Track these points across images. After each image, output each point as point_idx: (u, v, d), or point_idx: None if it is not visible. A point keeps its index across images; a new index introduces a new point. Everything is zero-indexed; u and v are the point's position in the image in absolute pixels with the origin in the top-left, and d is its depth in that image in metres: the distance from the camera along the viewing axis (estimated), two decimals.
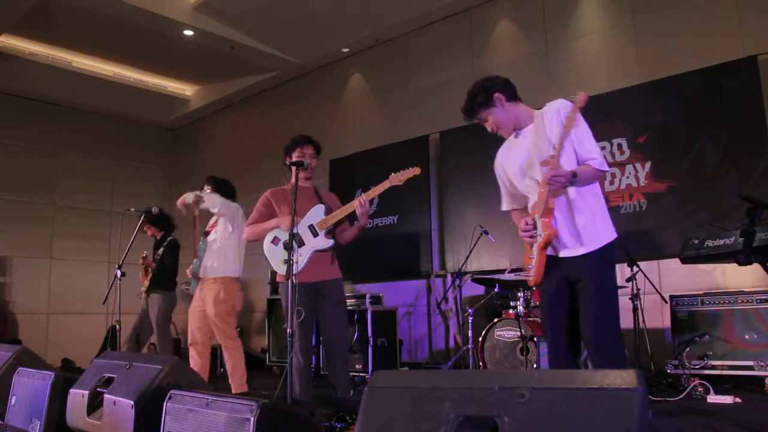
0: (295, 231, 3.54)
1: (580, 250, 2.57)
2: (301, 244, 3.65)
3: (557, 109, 2.65)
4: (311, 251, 3.66)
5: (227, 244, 4.50)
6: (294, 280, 3.25)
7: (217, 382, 6.47)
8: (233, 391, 4.39)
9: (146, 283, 5.58)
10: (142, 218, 4.84)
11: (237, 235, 4.52)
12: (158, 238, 5.89)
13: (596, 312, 2.51)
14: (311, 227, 3.70)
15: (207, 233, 4.66)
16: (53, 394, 2.93)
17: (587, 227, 2.58)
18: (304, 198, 3.76)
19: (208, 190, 4.70)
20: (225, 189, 4.75)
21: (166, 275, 5.59)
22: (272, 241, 3.75)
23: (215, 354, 7.72)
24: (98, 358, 3.11)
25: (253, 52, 7.74)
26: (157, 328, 5.55)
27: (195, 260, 4.54)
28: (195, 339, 4.50)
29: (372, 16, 7.02)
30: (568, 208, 2.61)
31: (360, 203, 3.58)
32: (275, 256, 3.70)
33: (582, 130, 2.64)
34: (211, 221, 4.76)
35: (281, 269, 3.65)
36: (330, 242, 3.71)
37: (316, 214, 3.73)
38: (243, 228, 4.15)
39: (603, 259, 2.56)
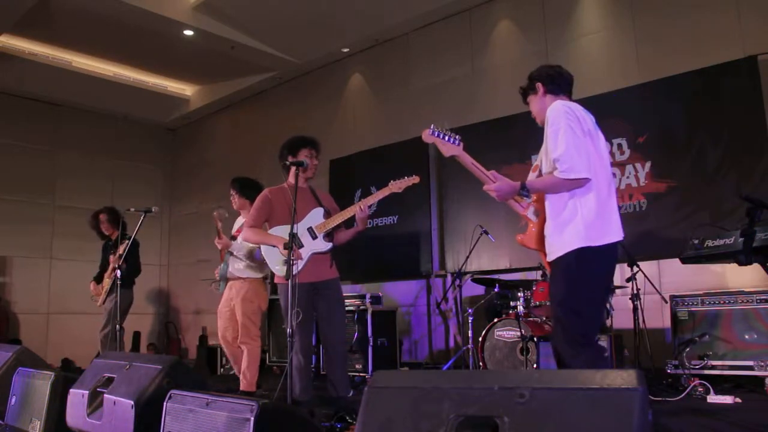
0: (294, 232, 3.56)
1: (550, 255, 2.58)
2: (299, 245, 3.66)
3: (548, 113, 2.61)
4: (310, 253, 3.68)
5: (254, 247, 4.51)
6: (293, 281, 3.27)
7: (217, 382, 6.48)
8: (241, 389, 4.43)
9: (107, 287, 5.54)
10: (142, 218, 4.82)
11: None
12: (114, 237, 5.87)
13: (555, 320, 2.55)
14: (310, 230, 3.73)
15: (234, 237, 4.71)
16: (53, 394, 2.93)
17: (549, 236, 2.58)
18: (302, 199, 3.77)
19: (234, 195, 4.72)
20: (251, 190, 4.71)
21: (128, 274, 5.55)
22: None
23: (216, 354, 7.74)
24: (98, 358, 3.11)
25: (253, 52, 7.74)
26: (111, 323, 5.47)
27: (222, 264, 4.62)
28: (225, 337, 4.58)
29: (372, 16, 7.02)
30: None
31: (360, 209, 3.65)
32: (273, 257, 3.71)
33: (549, 134, 2.54)
34: (236, 226, 4.80)
35: (279, 270, 3.67)
36: (329, 245, 3.74)
37: (315, 216, 3.76)
38: None
39: (558, 269, 2.51)
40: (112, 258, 5.58)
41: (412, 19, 7.07)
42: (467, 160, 2.71)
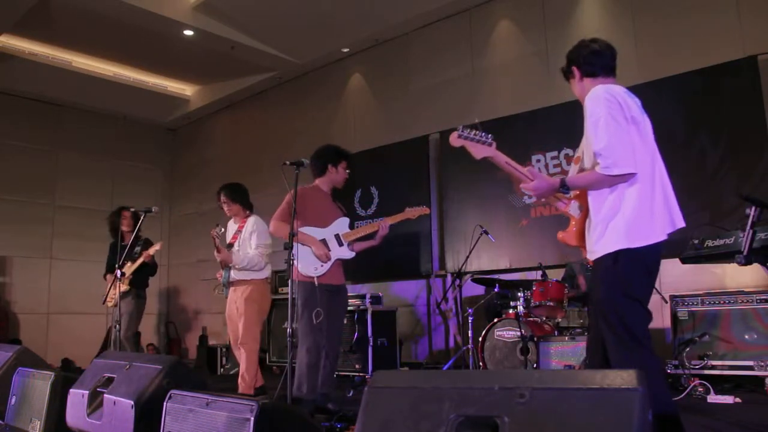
0: (294, 232, 3.60)
1: (591, 255, 2.42)
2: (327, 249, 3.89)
3: (587, 100, 2.39)
4: (335, 258, 3.87)
5: (255, 252, 4.53)
6: (295, 280, 3.44)
7: (217, 382, 6.48)
8: (240, 391, 4.40)
9: (125, 286, 5.48)
10: (142, 218, 4.80)
11: (267, 245, 4.60)
12: (128, 239, 5.84)
13: (601, 323, 2.35)
14: (337, 236, 3.92)
15: (231, 245, 4.66)
16: (53, 394, 2.93)
17: (590, 234, 2.42)
18: (327, 205, 4.02)
19: (227, 202, 4.65)
20: (241, 194, 4.70)
21: (147, 274, 5.58)
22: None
23: (216, 354, 7.74)
24: (98, 358, 3.11)
25: (253, 52, 7.74)
26: (133, 326, 5.46)
27: (224, 271, 4.59)
28: (237, 340, 4.57)
29: (372, 16, 7.02)
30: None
31: (382, 227, 3.94)
32: (305, 257, 3.79)
33: (589, 125, 2.35)
34: (232, 233, 4.72)
35: (307, 270, 3.78)
36: (353, 254, 3.96)
37: (342, 225, 3.99)
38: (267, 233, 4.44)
39: (599, 269, 2.36)
40: (142, 257, 5.51)
41: (412, 19, 7.07)
42: (501, 159, 2.54)
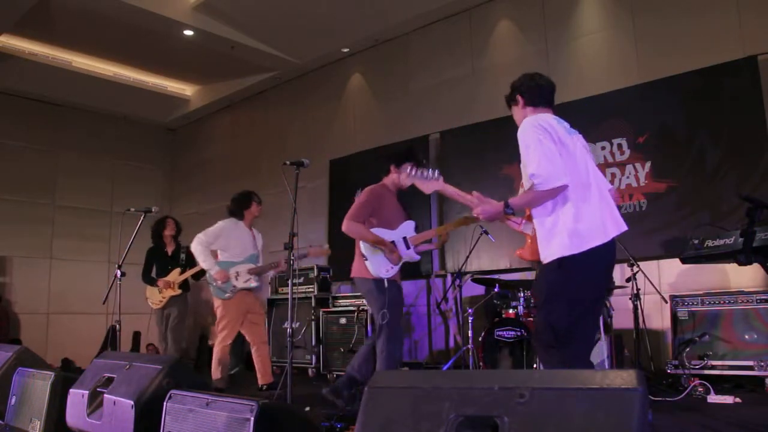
0: (295, 232, 3.62)
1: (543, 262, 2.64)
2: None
3: (519, 132, 2.65)
4: (404, 260, 4.00)
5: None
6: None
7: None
8: (263, 382, 4.77)
9: (177, 289, 5.73)
10: (142, 219, 4.84)
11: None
12: (170, 248, 6.02)
13: (536, 319, 2.63)
14: (405, 239, 4.02)
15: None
16: (53, 394, 2.93)
17: (539, 245, 2.63)
18: (395, 205, 4.10)
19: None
20: None
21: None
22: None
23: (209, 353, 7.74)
24: (98, 358, 3.11)
25: (253, 52, 7.74)
26: (184, 328, 5.80)
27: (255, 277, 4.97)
28: (231, 337, 4.93)
29: (372, 16, 7.02)
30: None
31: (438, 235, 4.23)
32: (378, 259, 3.91)
33: (522, 151, 2.60)
34: (251, 240, 5.07)
35: (378, 271, 3.88)
36: (419, 257, 4.10)
37: (409, 228, 4.09)
38: None
39: (543, 273, 2.58)
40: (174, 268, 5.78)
41: (412, 19, 7.06)
42: (449, 191, 2.79)
